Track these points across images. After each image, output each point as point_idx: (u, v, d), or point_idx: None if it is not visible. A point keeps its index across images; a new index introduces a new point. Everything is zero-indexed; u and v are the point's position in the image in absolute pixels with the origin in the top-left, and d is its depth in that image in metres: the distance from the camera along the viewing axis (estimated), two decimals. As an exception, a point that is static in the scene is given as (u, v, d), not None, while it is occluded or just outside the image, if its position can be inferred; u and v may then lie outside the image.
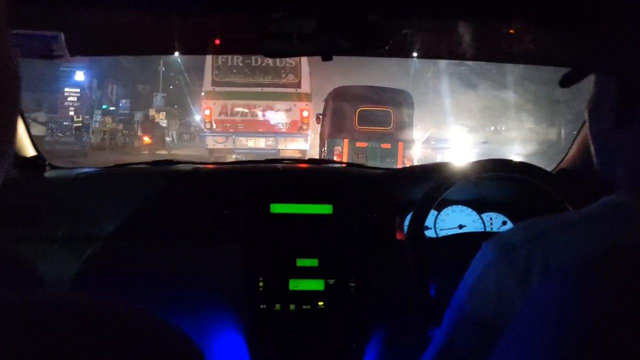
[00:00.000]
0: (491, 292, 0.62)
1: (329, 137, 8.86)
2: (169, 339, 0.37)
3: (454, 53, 1.57)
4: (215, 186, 1.55)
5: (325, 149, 8.93)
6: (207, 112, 11.29)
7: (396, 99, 8.99)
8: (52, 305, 0.34)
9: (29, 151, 1.56)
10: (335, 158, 8.26)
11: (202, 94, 11.31)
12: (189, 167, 1.69)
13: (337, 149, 8.75)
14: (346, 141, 8.76)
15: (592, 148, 0.70)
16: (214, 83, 11.12)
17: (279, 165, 1.77)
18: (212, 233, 1.51)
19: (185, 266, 1.48)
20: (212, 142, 11.32)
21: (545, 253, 0.59)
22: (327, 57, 1.34)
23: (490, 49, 1.56)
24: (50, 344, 0.32)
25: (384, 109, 8.93)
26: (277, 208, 1.53)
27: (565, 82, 0.71)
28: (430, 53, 1.57)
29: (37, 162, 1.57)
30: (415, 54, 1.57)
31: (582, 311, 0.41)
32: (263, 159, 1.85)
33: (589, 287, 0.43)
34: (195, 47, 1.64)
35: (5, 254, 1.43)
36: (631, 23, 0.62)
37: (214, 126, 11.23)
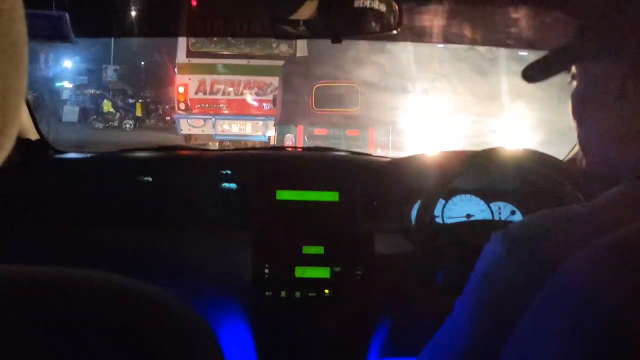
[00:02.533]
0: (501, 283, 0.66)
1: (279, 122, 7.46)
2: (181, 316, 0.37)
3: (464, 38, 1.57)
4: (221, 172, 1.55)
5: (276, 137, 7.67)
6: (180, 89, 9.57)
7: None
8: (61, 281, 0.35)
9: (33, 135, 1.56)
10: None
11: (175, 68, 9.78)
12: (195, 152, 1.69)
13: (289, 137, 7.21)
14: (300, 128, 7.17)
15: (584, 136, 0.74)
16: (190, 54, 9.43)
17: (286, 152, 1.76)
18: (218, 219, 1.53)
19: (190, 252, 1.50)
20: (187, 127, 9.67)
21: (555, 249, 0.60)
22: (336, 40, 1.33)
23: (499, 34, 1.55)
24: (59, 319, 0.32)
25: (349, 84, 7.24)
26: (283, 195, 1.54)
27: (532, 76, 0.69)
28: (440, 38, 1.56)
29: (40, 147, 1.57)
30: (424, 39, 1.55)
31: (605, 295, 0.41)
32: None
33: (611, 271, 0.43)
34: (204, 29, 1.61)
35: (9, 239, 1.43)
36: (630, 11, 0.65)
37: (190, 107, 9.59)
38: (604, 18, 0.68)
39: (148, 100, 22.44)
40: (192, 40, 9.25)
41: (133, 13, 1.57)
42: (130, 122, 19.47)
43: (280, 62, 8.98)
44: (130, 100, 21.57)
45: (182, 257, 1.61)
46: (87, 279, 0.37)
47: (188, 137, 9.83)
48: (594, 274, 0.48)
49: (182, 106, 9.63)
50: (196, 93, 9.55)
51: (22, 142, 1.65)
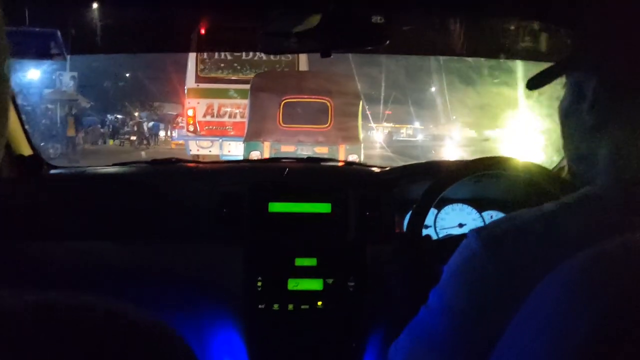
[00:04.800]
0: (476, 280, 0.68)
1: (245, 139, 7.22)
2: (155, 336, 0.37)
3: (452, 50, 1.61)
4: (214, 185, 1.56)
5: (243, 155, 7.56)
6: (190, 112, 10.44)
7: (335, 87, 7.25)
8: (42, 305, 0.34)
9: (26, 151, 1.57)
10: None
11: (185, 91, 10.63)
12: (188, 166, 1.69)
13: (255, 155, 6.97)
14: (267, 145, 6.98)
15: (567, 146, 0.78)
16: (199, 79, 10.24)
17: (278, 164, 1.77)
18: (210, 232, 1.52)
19: (183, 266, 1.50)
20: (195, 147, 10.50)
21: (529, 244, 0.65)
22: (325, 54, 1.34)
23: (487, 45, 1.57)
24: (40, 344, 0.32)
25: (319, 99, 7.11)
26: (275, 207, 1.55)
27: (535, 84, 0.73)
28: (428, 50, 1.58)
29: (34, 163, 1.57)
30: (413, 52, 1.57)
31: (593, 303, 0.43)
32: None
33: (592, 283, 0.44)
34: (195, 43, 1.64)
35: (3, 254, 1.43)
36: (614, 23, 0.68)
37: (198, 129, 10.37)
38: (588, 30, 0.70)
39: (114, 115, 19.21)
40: (201, 66, 10.16)
41: (123, 30, 1.58)
42: (57, 145, 14.52)
43: None
44: (91, 117, 17.49)
45: (175, 271, 1.60)
46: (56, 301, 0.37)
47: (196, 157, 10.34)
48: (576, 287, 0.49)
49: (192, 128, 10.41)
50: (204, 116, 10.32)
51: (16, 159, 1.65)
